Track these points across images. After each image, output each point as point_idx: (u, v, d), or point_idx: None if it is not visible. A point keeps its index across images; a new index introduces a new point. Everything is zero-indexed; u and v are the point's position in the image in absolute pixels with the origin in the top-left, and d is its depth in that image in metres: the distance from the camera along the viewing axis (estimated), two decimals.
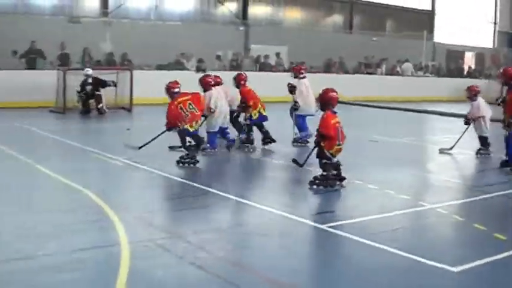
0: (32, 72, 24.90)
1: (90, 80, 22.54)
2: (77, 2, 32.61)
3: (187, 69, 29.45)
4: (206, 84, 15.00)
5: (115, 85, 23.23)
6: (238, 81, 15.86)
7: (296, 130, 16.55)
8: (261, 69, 32.16)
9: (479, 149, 15.60)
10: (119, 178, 12.26)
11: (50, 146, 15.57)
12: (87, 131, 15.62)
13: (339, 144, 11.06)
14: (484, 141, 15.59)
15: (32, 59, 26.00)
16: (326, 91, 11.37)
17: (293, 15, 40.68)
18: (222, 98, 15.27)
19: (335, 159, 11.15)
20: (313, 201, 10.48)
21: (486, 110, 15.56)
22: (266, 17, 39.34)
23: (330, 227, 8.62)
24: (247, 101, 15.55)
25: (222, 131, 15.39)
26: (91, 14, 32.26)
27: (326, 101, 11.26)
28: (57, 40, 26.51)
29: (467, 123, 15.70)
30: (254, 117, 15.60)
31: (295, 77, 17.01)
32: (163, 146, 14.43)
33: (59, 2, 32.05)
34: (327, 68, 35.27)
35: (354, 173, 12.22)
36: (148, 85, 22.87)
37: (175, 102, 13.32)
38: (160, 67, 29.22)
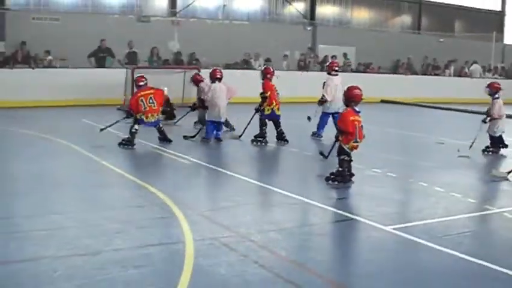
0: (101, 70, 25.26)
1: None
2: (146, 2, 32.98)
3: (255, 69, 29.56)
4: (212, 77, 16.59)
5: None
6: (265, 74, 16.49)
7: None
8: None
9: (487, 147, 15.79)
10: (184, 176, 12.36)
11: (116, 144, 15.78)
12: (153, 129, 15.77)
13: (356, 141, 11.35)
14: (495, 140, 15.76)
15: (101, 57, 26.38)
16: (351, 88, 11.66)
17: (361, 15, 40.44)
18: (222, 92, 16.34)
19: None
20: (376, 203, 10.35)
21: (503, 110, 15.73)
22: (334, 17, 39.19)
23: (394, 228, 8.57)
24: (265, 92, 16.03)
25: (218, 124, 16.40)
26: (159, 13, 32.58)
27: (349, 98, 11.56)
28: (126, 39, 26.87)
29: (485, 121, 15.77)
30: (266, 113, 16.09)
31: (328, 73, 17.64)
32: (227, 145, 14.57)
33: (128, 1, 32.46)
34: (395, 69, 35.04)
35: (419, 175, 12.18)
36: None
37: (138, 95, 15.25)
38: (227, 66, 29.38)
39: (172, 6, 33.11)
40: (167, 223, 8.72)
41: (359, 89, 11.56)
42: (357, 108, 11.48)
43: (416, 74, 35.17)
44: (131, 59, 26.29)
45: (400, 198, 11.09)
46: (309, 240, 8.32)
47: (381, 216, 9.24)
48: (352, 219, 9.11)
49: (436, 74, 35.63)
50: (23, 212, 9.17)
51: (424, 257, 7.61)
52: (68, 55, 26.01)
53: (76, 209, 9.43)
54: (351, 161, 11.51)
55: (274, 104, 16.04)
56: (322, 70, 30.91)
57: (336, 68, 17.71)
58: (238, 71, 27.78)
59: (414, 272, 7.11)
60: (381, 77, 32.19)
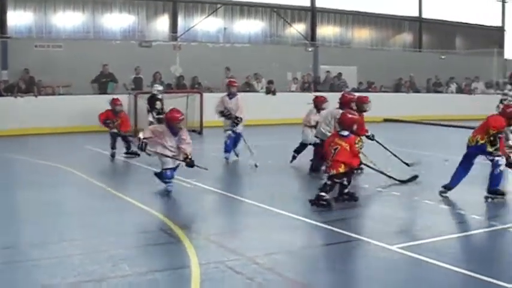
0: (104, 96, 25.24)
1: (159, 96, 21.50)
2: (147, 27, 33.14)
3: (257, 91, 29.61)
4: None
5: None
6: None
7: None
8: (331, 90, 32.13)
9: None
10: (188, 200, 12.38)
11: (120, 169, 15.84)
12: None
13: None
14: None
15: (103, 83, 26.46)
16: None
17: (362, 34, 40.51)
18: None
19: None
20: (379, 222, 10.31)
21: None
22: (335, 37, 39.28)
23: (400, 247, 8.55)
24: None
25: None
26: (161, 38, 32.74)
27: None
28: (128, 64, 26.97)
29: None
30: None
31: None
32: (233, 169, 14.58)
33: (130, 26, 32.65)
34: (397, 88, 35.03)
35: (425, 193, 12.14)
36: None
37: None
38: None
39: (173, 31, 33.29)
40: (173, 248, 8.74)
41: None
42: None
43: (419, 91, 35.18)
44: (137, 85, 26.44)
45: (405, 216, 11.08)
46: (315, 262, 8.32)
47: (386, 235, 9.23)
48: (357, 239, 9.09)
49: (437, 91, 35.63)
50: (29, 240, 9.17)
51: (431, 275, 7.59)
52: (71, 81, 26.15)
53: (82, 236, 9.43)
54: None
55: None
56: (326, 90, 31.12)
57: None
58: (241, 93, 27.85)
59: None
60: (384, 96, 32.22)
